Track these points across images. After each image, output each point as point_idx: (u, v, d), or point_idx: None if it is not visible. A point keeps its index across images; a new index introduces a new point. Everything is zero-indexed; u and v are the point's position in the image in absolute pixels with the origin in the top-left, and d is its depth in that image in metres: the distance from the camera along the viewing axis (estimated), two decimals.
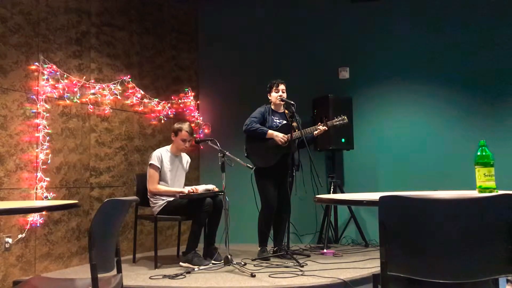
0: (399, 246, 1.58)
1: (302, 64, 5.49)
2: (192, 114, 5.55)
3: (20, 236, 3.64)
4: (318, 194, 2.49)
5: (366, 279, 3.32)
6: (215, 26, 5.80)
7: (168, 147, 4.21)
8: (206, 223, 4.06)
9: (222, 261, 3.72)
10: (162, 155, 4.09)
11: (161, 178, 4.07)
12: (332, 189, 4.92)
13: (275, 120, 4.27)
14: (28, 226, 3.69)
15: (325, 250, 4.46)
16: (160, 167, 4.05)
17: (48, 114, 3.94)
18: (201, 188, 4.10)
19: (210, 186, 4.15)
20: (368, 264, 3.80)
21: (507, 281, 2.80)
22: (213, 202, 3.93)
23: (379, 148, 5.28)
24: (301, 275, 3.40)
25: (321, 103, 5.11)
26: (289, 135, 4.07)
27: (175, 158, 4.19)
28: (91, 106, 4.35)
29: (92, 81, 4.39)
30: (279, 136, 4.14)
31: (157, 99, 5.08)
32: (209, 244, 4.09)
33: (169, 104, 5.23)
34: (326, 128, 4.19)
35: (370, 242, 4.89)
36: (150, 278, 3.45)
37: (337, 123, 4.26)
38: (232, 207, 3.91)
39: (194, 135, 4.31)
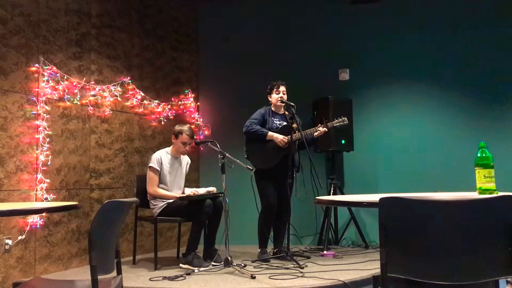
0: (399, 247, 1.58)
1: (302, 66, 5.49)
2: (192, 116, 5.56)
3: (20, 237, 3.64)
4: (318, 196, 2.49)
5: (366, 281, 3.32)
6: (215, 27, 5.80)
7: (168, 149, 4.21)
8: (206, 224, 4.06)
9: (222, 262, 3.72)
10: (161, 157, 4.09)
11: (161, 181, 4.07)
12: (332, 191, 4.92)
13: (275, 122, 4.27)
14: (28, 228, 3.69)
15: (325, 252, 4.45)
16: (159, 169, 4.05)
17: (48, 116, 3.94)
18: (201, 191, 4.09)
19: (211, 189, 4.15)
20: (368, 266, 3.80)
21: (507, 282, 2.80)
22: (213, 203, 3.92)
23: (379, 149, 5.28)
24: (301, 276, 3.40)
25: (321, 104, 5.12)
26: (289, 136, 4.07)
27: (175, 160, 4.19)
28: (91, 108, 4.36)
29: (92, 82, 4.39)
30: (279, 138, 4.13)
31: (157, 101, 5.08)
32: (209, 246, 4.08)
33: (169, 106, 5.23)
34: (326, 130, 4.19)
35: (370, 244, 4.89)
36: (150, 279, 3.45)
37: (337, 124, 4.26)
38: (232, 208, 3.91)
39: (195, 137, 4.31)
